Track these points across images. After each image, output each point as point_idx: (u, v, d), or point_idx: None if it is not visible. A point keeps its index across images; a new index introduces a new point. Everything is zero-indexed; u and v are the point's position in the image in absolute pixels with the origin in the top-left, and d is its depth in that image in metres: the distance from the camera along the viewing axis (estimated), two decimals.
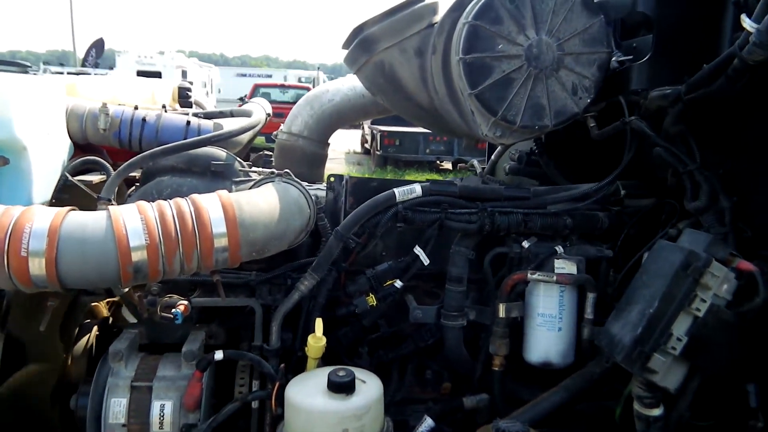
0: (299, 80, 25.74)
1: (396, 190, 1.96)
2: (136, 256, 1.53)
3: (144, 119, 2.37)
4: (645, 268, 1.63)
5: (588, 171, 2.21)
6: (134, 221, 1.56)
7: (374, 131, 13.66)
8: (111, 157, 2.36)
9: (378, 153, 13.45)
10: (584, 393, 1.83)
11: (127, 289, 1.95)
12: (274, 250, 1.82)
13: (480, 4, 1.74)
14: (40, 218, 1.50)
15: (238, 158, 2.22)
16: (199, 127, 2.43)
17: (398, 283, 2.02)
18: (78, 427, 1.89)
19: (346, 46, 2.21)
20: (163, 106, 2.57)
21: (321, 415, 1.59)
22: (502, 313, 1.92)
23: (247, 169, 2.17)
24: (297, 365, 1.96)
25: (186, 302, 1.90)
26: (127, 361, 1.89)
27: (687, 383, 1.54)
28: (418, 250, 2.03)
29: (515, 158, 2.69)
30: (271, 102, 3.48)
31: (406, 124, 11.97)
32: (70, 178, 2.04)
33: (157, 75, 17.42)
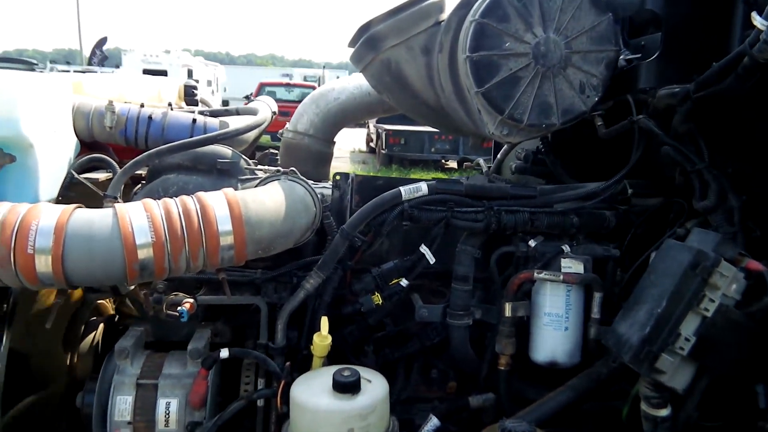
0: (304, 79, 25.75)
1: (402, 189, 1.96)
2: (142, 254, 1.53)
3: (150, 117, 2.38)
4: (653, 267, 1.62)
5: (595, 170, 2.20)
6: (140, 219, 1.56)
7: (379, 130, 13.64)
8: (117, 155, 2.36)
9: (383, 152, 13.44)
10: (591, 393, 1.82)
11: (133, 287, 1.95)
12: (280, 248, 1.81)
13: (487, 1, 1.73)
14: (46, 215, 1.50)
15: (244, 156, 2.22)
16: (205, 125, 2.44)
17: (404, 282, 2.02)
18: (84, 425, 1.90)
19: (352, 44, 2.21)
20: (169, 104, 2.58)
21: (326, 415, 1.59)
22: (508, 312, 1.92)
23: (253, 167, 2.17)
24: (302, 363, 1.96)
25: (192, 300, 1.90)
26: (133, 358, 1.89)
27: (695, 383, 1.52)
28: (424, 248, 2.02)
29: (521, 157, 2.68)
30: (277, 101, 3.49)
31: (412, 123, 11.95)
32: (76, 175, 2.05)
33: (163, 73, 17.46)
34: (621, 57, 1.90)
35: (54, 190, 1.96)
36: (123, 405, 1.81)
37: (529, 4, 1.72)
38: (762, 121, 1.66)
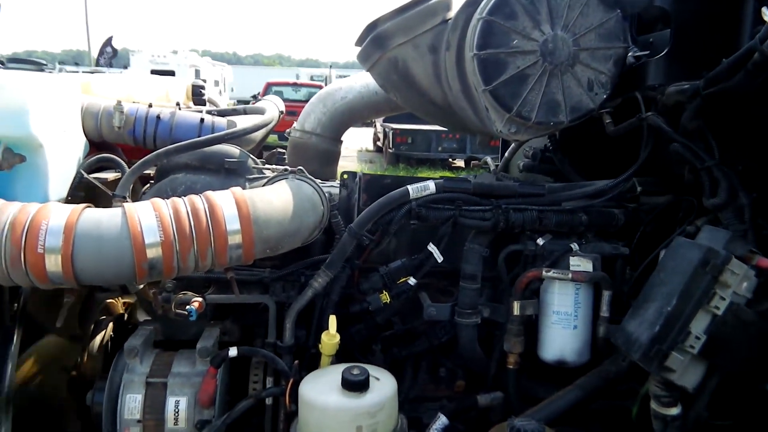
0: (311, 78, 25.78)
1: (410, 187, 1.95)
2: (151, 253, 1.54)
3: (158, 117, 2.39)
4: (662, 265, 1.61)
5: (603, 168, 2.19)
6: (149, 218, 1.56)
7: (386, 129, 13.64)
8: (126, 155, 2.37)
9: (390, 151, 13.44)
10: (600, 392, 1.81)
11: (141, 286, 1.96)
12: (288, 247, 1.82)
13: None
14: (56, 215, 1.51)
15: (252, 155, 2.23)
16: (213, 124, 2.44)
17: (412, 281, 2.01)
18: (94, 423, 1.91)
19: (359, 42, 2.21)
20: (177, 104, 2.58)
21: (335, 413, 1.59)
22: (516, 311, 1.91)
23: (261, 166, 2.17)
24: (310, 362, 1.96)
25: (200, 299, 1.90)
26: (143, 357, 1.90)
27: (705, 382, 1.51)
28: (431, 247, 2.02)
29: (529, 155, 2.67)
30: (284, 100, 3.50)
31: (419, 122, 11.95)
32: (85, 175, 2.06)
33: (171, 74, 17.53)
34: (629, 54, 1.89)
35: (63, 190, 1.97)
36: (132, 403, 1.82)
37: (537, 2, 1.71)
38: None
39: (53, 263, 1.47)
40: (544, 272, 1.88)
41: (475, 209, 1.96)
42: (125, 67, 21.26)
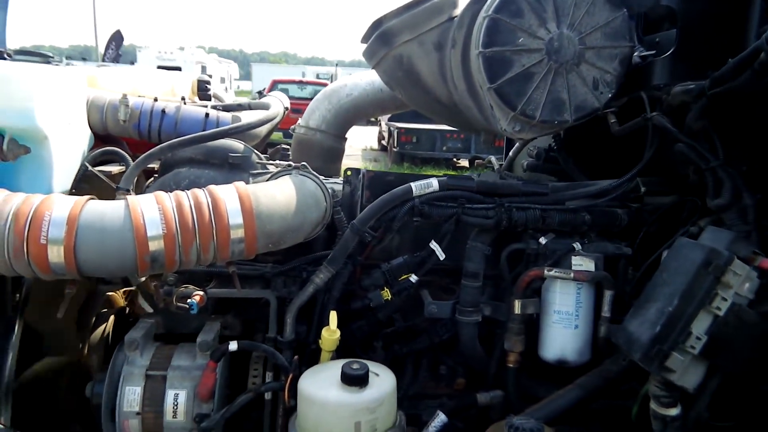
0: (317, 76, 25.80)
1: (413, 185, 1.95)
2: (153, 246, 1.54)
3: (163, 111, 2.39)
4: (665, 265, 1.61)
5: (608, 168, 2.18)
6: (152, 211, 1.57)
7: (391, 128, 13.63)
8: (130, 149, 2.38)
9: (395, 150, 13.42)
10: (600, 391, 1.80)
11: (143, 279, 1.97)
12: (290, 242, 1.82)
13: None
14: (59, 206, 1.51)
15: (256, 151, 2.23)
16: (218, 119, 2.45)
17: (413, 278, 2.01)
18: (93, 415, 1.91)
19: (364, 39, 2.21)
20: (183, 99, 2.59)
21: (334, 408, 1.59)
22: (517, 310, 1.91)
23: (265, 161, 2.17)
24: (311, 358, 1.97)
25: (202, 293, 1.91)
26: (143, 350, 1.90)
27: (706, 383, 1.50)
28: (434, 244, 2.01)
29: (533, 154, 2.67)
30: (290, 98, 3.50)
31: (424, 121, 11.93)
32: (90, 168, 2.06)
33: (177, 70, 17.54)
34: (635, 54, 1.88)
35: (68, 182, 1.98)
36: (132, 396, 1.82)
37: (543, 0, 1.71)
38: None
39: (56, 254, 1.47)
40: (546, 271, 1.88)
41: (478, 207, 1.96)
42: (132, 63, 21.33)
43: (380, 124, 16.37)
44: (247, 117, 2.50)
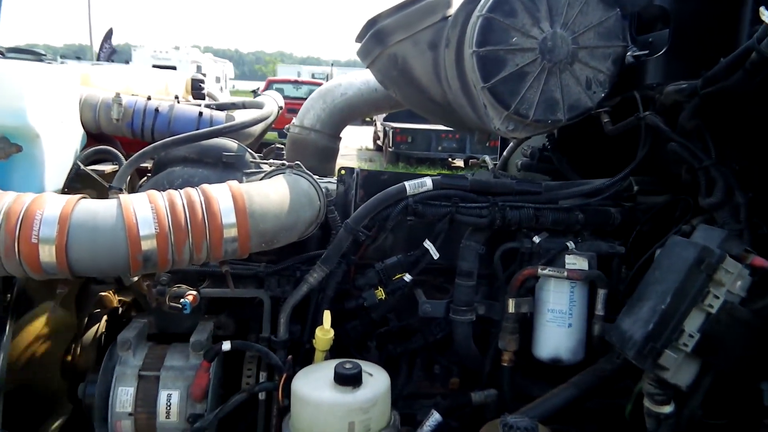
0: (312, 76, 25.79)
1: (407, 184, 1.95)
2: (146, 245, 1.53)
3: (157, 110, 2.38)
4: (657, 263, 1.61)
5: (601, 167, 2.18)
6: (144, 210, 1.56)
7: (387, 128, 13.63)
8: (124, 148, 2.37)
9: (390, 150, 13.43)
10: (594, 390, 1.81)
11: (136, 279, 1.96)
12: (284, 242, 1.81)
13: None
14: (51, 205, 1.50)
15: (250, 150, 2.22)
16: (212, 118, 2.44)
17: (407, 277, 2.01)
18: (86, 416, 1.91)
19: (359, 39, 2.20)
20: (176, 97, 2.58)
21: (327, 408, 1.59)
22: (511, 309, 1.91)
23: (258, 160, 2.17)
24: (305, 357, 1.96)
25: (195, 292, 1.90)
26: (136, 350, 1.90)
27: (699, 380, 1.51)
28: (427, 243, 2.01)
29: (527, 154, 2.67)
30: (285, 98, 3.49)
31: (419, 122, 11.94)
32: (82, 167, 2.05)
33: (173, 69, 17.50)
34: (628, 54, 1.88)
35: (60, 181, 1.97)
36: (124, 396, 1.81)
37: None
38: None
39: (47, 254, 1.46)
40: (539, 270, 1.88)
41: (472, 206, 1.96)
42: (127, 63, 21.28)
43: (376, 124, 16.37)
44: (240, 116, 2.49)
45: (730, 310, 1.44)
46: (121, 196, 1.63)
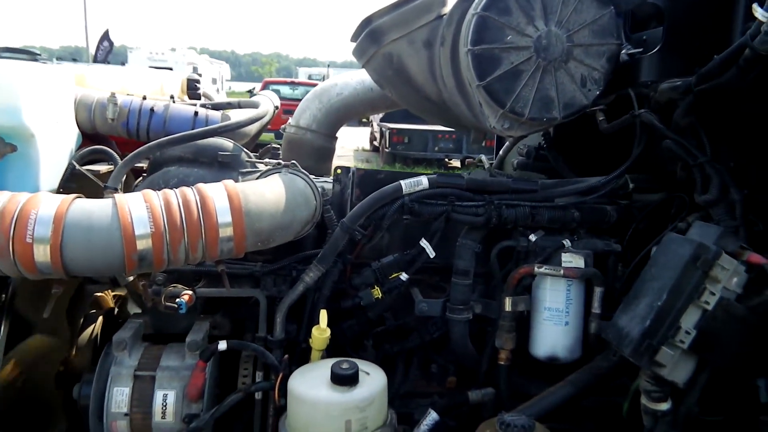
0: (309, 77, 25.80)
1: (403, 182, 1.95)
2: (141, 245, 1.53)
3: (152, 109, 2.38)
4: (654, 260, 1.61)
5: (597, 165, 2.18)
6: (140, 209, 1.55)
7: (383, 128, 13.64)
8: (119, 147, 2.37)
9: (387, 150, 13.43)
10: (591, 388, 1.81)
11: (131, 278, 1.95)
12: (280, 241, 1.81)
13: None
14: (45, 205, 1.50)
15: (245, 149, 2.22)
16: (207, 117, 2.43)
17: (404, 276, 2.01)
18: (81, 416, 1.90)
19: (354, 38, 2.20)
20: (171, 97, 2.58)
21: (324, 407, 1.58)
22: (508, 307, 1.91)
23: (254, 160, 2.16)
24: (301, 357, 1.96)
25: (190, 292, 1.90)
26: (131, 350, 1.89)
27: (696, 377, 1.51)
28: (424, 242, 2.01)
29: (524, 153, 2.67)
30: (281, 98, 3.49)
31: (416, 122, 11.95)
32: (77, 167, 2.05)
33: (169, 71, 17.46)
34: (623, 51, 1.89)
35: (55, 181, 1.96)
36: (120, 396, 1.81)
37: None
38: (763, 114, 1.64)
39: (42, 253, 1.45)
40: (536, 268, 1.88)
41: (468, 205, 1.96)
42: (123, 64, 21.26)
43: (372, 125, 16.37)
44: (236, 115, 2.49)
45: (726, 306, 1.44)
46: (115, 195, 1.62)
